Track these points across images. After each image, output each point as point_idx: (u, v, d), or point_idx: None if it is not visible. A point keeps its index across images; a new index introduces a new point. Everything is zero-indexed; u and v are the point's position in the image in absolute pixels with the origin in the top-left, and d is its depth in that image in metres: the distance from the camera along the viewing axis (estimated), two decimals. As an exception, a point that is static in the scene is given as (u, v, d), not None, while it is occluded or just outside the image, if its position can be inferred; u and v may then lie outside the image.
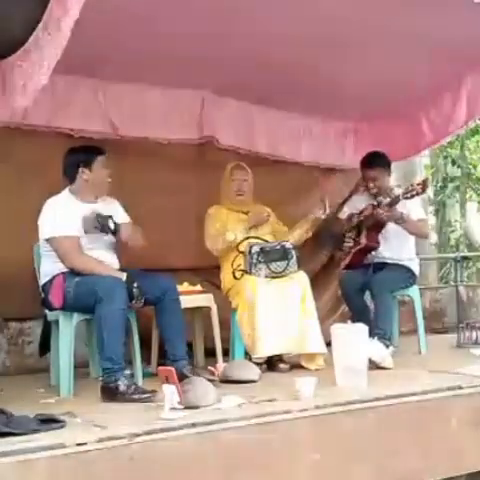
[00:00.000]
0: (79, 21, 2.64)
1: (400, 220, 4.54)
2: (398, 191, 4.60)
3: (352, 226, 4.79)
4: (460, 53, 4.43)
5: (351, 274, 4.72)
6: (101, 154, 3.79)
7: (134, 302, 3.58)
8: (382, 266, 4.64)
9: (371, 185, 4.75)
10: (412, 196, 4.47)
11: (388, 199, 4.56)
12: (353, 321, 4.17)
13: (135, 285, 3.57)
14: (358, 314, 4.54)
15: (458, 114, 5.07)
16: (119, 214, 3.92)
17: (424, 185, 4.47)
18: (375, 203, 4.66)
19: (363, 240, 4.68)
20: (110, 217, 3.70)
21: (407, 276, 4.71)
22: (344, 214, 4.96)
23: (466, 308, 6.54)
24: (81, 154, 3.79)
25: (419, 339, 4.68)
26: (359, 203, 4.89)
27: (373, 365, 3.87)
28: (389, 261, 4.66)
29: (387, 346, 4.15)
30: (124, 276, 3.60)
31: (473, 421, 3.14)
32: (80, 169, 3.75)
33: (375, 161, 4.80)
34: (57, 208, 3.68)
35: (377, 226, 4.65)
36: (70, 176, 3.79)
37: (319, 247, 5.49)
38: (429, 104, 5.28)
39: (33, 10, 2.80)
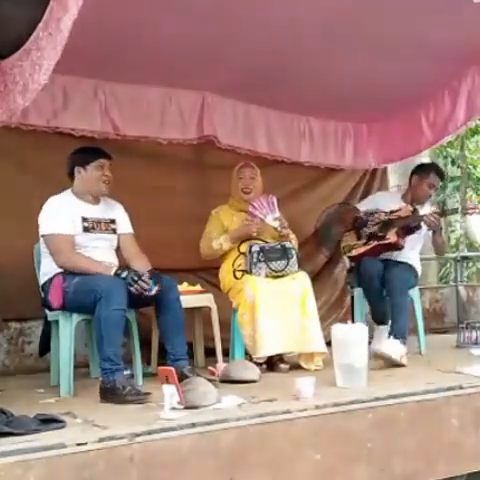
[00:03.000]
0: (79, 21, 2.64)
1: (439, 231, 4.60)
2: (452, 204, 4.65)
3: (378, 221, 4.75)
4: (460, 53, 4.43)
5: (372, 260, 4.62)
6: (99, 157, 3.79)
7: (134, 290, 3.51)
8: (393, 263, 4.64)
9: (432, 193, 4.83)
10: (473, 213, 4.52)
11: (438, 209, 4.60)
12: (372, 311, 4.22)
13: (124, 275, 3.54)
14: (376, 301, 4.57)
15: (458, 114, 5.07)
16: (122, 222, 3.93)
17: None
18: (411, 208, 4.67)
19: (392, 237, 4.63)
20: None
21: (414, 276, 4.74)
22: (362, 206, 5.00)
23: (466, 308, 6.55)
24: (79, 154, 3.84)
25: (419, 339, 4.68)
26: (387, 201, 4.89)
27: (388, 363, 3.95)
28: (399, 259, 4.67)
29: (404, 344, 4.18)
30: (113, 270, 3.60)
31: (473, 421, 3.14)
32: (76, 169, 3.80)
33: (443, 175, 4.93)
34: (56, 206, 3.72)
35: (410, 229, 4.65)
36: (70, 176, 3.84)
37: (320, 245, 5.49)
38: (429, 104, 5.28)
39: (33, 10, 2.79)
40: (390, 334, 4.23)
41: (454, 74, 4.88)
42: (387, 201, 4.89)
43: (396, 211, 4.73)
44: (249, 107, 5.24)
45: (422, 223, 4.58)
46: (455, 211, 4.66)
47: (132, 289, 3.52)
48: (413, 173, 4.95)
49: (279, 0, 3.65)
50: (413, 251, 4.80)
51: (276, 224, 4.33)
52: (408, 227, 4.64)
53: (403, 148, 5.64)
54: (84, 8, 2.62)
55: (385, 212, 4.78)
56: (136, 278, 3.53)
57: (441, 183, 4.92)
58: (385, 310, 4.60)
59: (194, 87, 4.84)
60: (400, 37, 4.10)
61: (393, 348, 4.02)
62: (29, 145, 4.44)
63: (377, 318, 4.59)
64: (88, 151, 3.85)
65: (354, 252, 4.82)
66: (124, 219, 3.95)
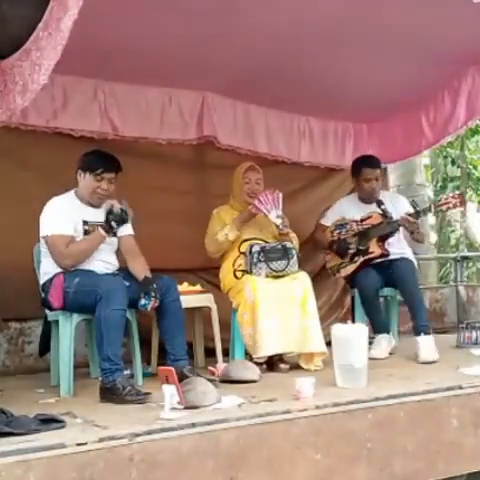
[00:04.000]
0: (80, 21, 2.64)
1: (418, 230, 4.56)
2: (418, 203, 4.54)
3: (352, 233, 4.74)
4: (460, 53, 4.43)
5: (369, 274, 4.62)
6: (102, 169, 3.70)
7: (153, 302, 3.58)
8: (396, 261, 4.64)
9: (374, 185, 4.75)
10: (448, 209, 4.42)
11: (413, 209, 4.48)
12: (371, 323, 4.35)
13: (154, 286, 3.60)
14: (376, 314, 4.58)
15: (458, 114, 5.07)
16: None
17: (462, 199, 4.36)
18: (379, 211, 4.64)
19: (376, 250, 4.64)
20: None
21: (415, 268, 4.74)
22: (328, 220, 4.92)
23: (466, 308, 6.55)
24: (87, 158, 3.79)
25: (419, 339, 4.68)
26: (348, 207, 4.88)
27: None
28: (396, 256, 4.67)
29: (431, 333, 4.23)
30: (101, 230, 3.65)
31: (473, 421, 3.13)
32: (79, 171, 3.77)
33: (376, 162, 4.83)
34: (57, 207, 3.71)
35: (388, 235, 4.65)
36: (76, 177, 3.81)
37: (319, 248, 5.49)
38: (429, 104, 5.29)
39: (33, 10, 2.79)
40: (419, 332, 4.23)
41: (454, 74, 4.89)
42: (348, 207, 4.88)
43: (366, 218, 4.72)
44: (249, 107, 5.24)
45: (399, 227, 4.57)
46: (428, 210, 4.57)
47: (150, 300, 3.56)
48: (351, 175, 4.96)
49: (280, 2, 3.65)
50: (401, 243, 4.79)
51: (278, 221, 4.32)
52: (386, 236, 4.66)
53: (403, 148, 5.65)
54: (84, 8, 2.62)
55: (355, 221, 4.76)
56: (120, 211, 3.66)
57: (376, 170, 4.77)
58: (385, 321, 4.65)
59: (194, 87, 4.84)
60: (400, 37, 4.10)
61: (434, 349, 4.04)
62: (29, 145, 4.44)
63: (377, 329, 4.57)
64: (95, 158, 3.77)
65: (343, 272, 4.82)
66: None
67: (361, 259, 4.70)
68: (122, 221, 3.70)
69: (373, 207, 4.71)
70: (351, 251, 4.74)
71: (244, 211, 4.38)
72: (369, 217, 4.73)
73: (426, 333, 4.21)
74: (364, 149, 5.85)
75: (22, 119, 4.18)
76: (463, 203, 4.42)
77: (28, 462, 2.26)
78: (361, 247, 4.70)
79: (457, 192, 4.59)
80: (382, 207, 4.64)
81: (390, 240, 4.68)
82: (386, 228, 4.62)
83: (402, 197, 5.09)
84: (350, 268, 4.76)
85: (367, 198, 4.80)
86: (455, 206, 4.40)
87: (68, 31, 2.66)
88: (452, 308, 6.49)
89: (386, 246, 4.67)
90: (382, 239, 4.67)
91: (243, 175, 4.45)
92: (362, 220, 4.75)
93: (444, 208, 4.43)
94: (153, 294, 3.59)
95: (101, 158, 3.78)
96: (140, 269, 3.79)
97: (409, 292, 4.49)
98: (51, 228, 3.66)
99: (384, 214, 4.62)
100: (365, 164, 4.82)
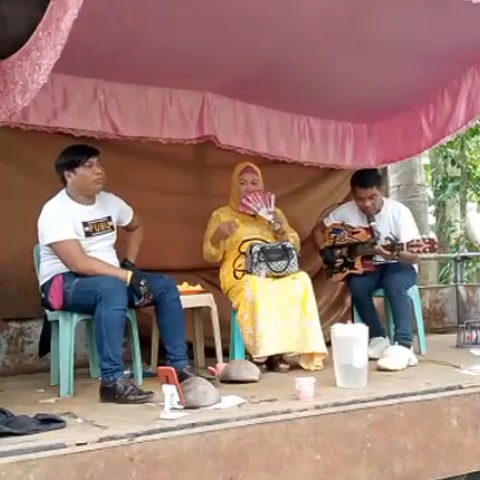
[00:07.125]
0: (80, 21, 2.64)
1: (395, 258, 4.53)
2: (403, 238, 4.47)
3: (344, 242, 4.75)
4: (460, 53, 4.43)
5: (361, 278, 4.65)
6: (86, 157, 3.69)
7: (142, 300, 3.60)
8: (387, 266, 4.64)
9: (368, 204, 4.71)
10: (418, 251, 4.37)
11: (389, 242, 4.46)
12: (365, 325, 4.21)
13: (142, 283, 3.58)
14: (370, 318, 4.55)
15: (458, 114, 5.07)
16: (119, 215, 3.92)
17: (432, 246, 4.28)
18: (368, 226, 4.65)
19: (360, 268, 4.67)
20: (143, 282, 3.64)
21: (412, 273, 4.73)
22: (329, 221, 4.95)
23: (466, 308, 6.55)
24: (65, 159, 3.75)
25: (419, 339, 4.68)
26: (349, 215, 4.88)
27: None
28: (393, 261, 4.66)
29: (409, 346, 4.20)
30: (129, 274, 3.60)
31: (473, 421, 3.13)
32: (65, 173, 3.74)
33: (369, 180, 4.74)
34: (55, 212, 3.66)
35: (371, 256, 4.68)
36: (61, 179, 3.78)
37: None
38: (429, 104, 5.29)
39: (33, 10, 2.80)
40: (395, 340, 4.25)
41: (454, 74, 4.88)
42: (350, 214, 4.88)
43: (356, 232, 4.74)
44: (249, 107, 5.23)
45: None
46: (401, 247, 4.41)
47: (141, 299, 3.58)
48: None
49: (280, 2, 3.65)
50: None
51: (270, 217, 4.34)
52: (369, 256, 4.68)
53: (403, 148, 5.64)
54: (84, 8, 2.62)
55: (348, 230, 4.77)
56: (151, 294, 3.60)
57: (370, 189, 4.67)
58: (380, 325, 4.63)
59: (194, 87, 4.84)
60: (400, 38, 4.10)
61: (397, 359, 3.97)
62: (29, 145, 4.43)
63: (373, 333, 4.54)
64: (73, 152, 3.74)
65: (334, 278, 4.87)
66: (120, 205, 3.97)
67: (348, 271, 4.74)
68: (145, 292, 3.62)
69: (374, 224, 4.70)
70: (337, 264, 4.78)
71: (218, 227, 4.34)
72: (358, 232, 4.73)
73: (401, 343, 4.17)
74: (364, 149, 5.85)
75: (22, 119, 4.17)
76: (433, 250, 4.34)
77: (28, 462, 2.26)
78: (349, 260, 4.73)
79: (430, 236, 4.49)
80: (371, 224, 4.64)
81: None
82: (369, 249, 4.64)
83: (405, 211, 4.86)
84: (340, 276, 4.81)
85: (364, 212, 4.81)
86: (425, 251, 4.34)
87: (68, 31, 2.67)
88: (452, 308, 6.50)
89: (371, 262, 4.68)
90: (366, 257, 4.68)
91: (239, 177, 4.46)
92: (353, 233, 4.76)
93: (415, 250, 4.37)
94: (142, 292, 3.58)
95: (77, 149, 3.76)
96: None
97: (394, 298, 4.49)
98: (57, 235, 3.61)
99: (372, 233, 4.62)
100: (357, 183, 4.77)
